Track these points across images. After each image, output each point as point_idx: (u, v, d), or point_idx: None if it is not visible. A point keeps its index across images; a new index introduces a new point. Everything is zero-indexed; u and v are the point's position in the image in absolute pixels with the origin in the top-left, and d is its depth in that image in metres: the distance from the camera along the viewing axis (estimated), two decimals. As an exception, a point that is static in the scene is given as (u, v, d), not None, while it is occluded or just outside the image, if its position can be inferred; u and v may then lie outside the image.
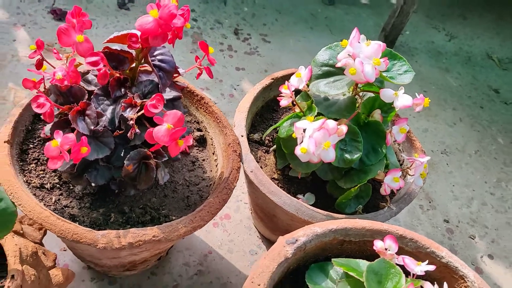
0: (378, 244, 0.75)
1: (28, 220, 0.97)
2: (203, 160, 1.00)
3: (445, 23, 2.11)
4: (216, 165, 0.98)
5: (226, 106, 1.49)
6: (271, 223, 1.09)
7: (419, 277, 0.73)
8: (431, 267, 0.72)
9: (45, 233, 0.98)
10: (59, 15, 1.59)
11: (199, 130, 1.03)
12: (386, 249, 0.75)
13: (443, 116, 1.70)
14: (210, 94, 1.50)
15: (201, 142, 1.03)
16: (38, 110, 0.72)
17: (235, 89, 1.55)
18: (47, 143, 0.71)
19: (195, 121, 1.04)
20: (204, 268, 1.14)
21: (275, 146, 1.04)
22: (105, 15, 1.67)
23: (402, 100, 0.87)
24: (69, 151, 0.71)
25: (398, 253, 0.74)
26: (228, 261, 1.17)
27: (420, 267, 0.72)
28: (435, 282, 0.72)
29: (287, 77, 1.08)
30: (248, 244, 1.21)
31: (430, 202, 1.43)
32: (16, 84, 1.38)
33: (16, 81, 1.39)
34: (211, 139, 1.01)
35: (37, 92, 0.73)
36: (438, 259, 0.80)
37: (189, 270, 1.13)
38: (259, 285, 0.72)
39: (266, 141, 1.06)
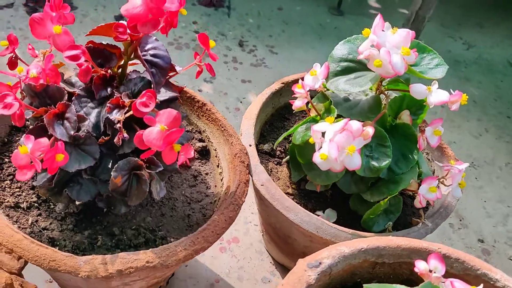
0: (420, 265, 0.61)
1: (6, 248, 0.84)
2: (206, 174, 0.87)
3: (461, 32, 2.00)
4: (221, 179, 0.85)
5: (232, 121, 1.36)
6: (286, 245, 0.95)
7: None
8: (487, 293, 0.59)
9: (26, 263, 0.85)
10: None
11: (201, 140, 0.91)
12: (430, 270, 0.61)
13: (467, 127, 1.57)
14: (214, 108, 1.39)
15: (204, 154, 0.90)
16: (4, 112, 0.60)
17: (241, 102, 1.43)
18: (15, 150, 0.58)
19: (196, 130, 0.92)
20: (210, 300, 1.00)
21: (288, 157, 0.91)
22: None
23: (437, 96, 0.74)
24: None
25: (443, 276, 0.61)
26: (238, 291, 1.02)
27: (474, 293, 0.59)
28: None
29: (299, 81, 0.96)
30: (260, 270, 1.07)
31: (461, 220, 1.29)
32: None
33: None
34: (215, 150, 0.89)
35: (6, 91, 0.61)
36: (492, 282, 0.66)
37: (194, 302, 0.99)
38: (276, 319, 0.58)
39: (278, 152, 0.94)
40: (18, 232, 0.66)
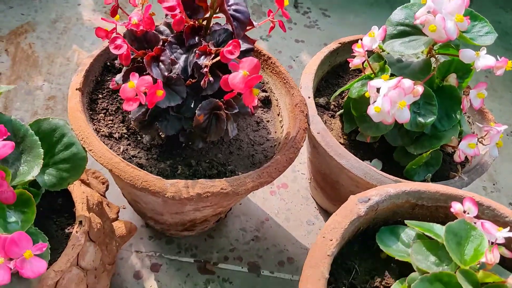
0: (456, 206, 0.71)
1: (91, 174, 0.98)
2: (268, 121, 0.98)
3: (512, 4, 2.02)
4: (281, 126, 0.96)
5: (284, 77, 1.46)
6: (333, 191, 1.06)
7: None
8: (514, 234, 0.68)
9: (107, 188, 0.99)
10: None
11: (264, 91, 1.02)
12: (465, 211, 0.71)
13: (509, 97, 1.62)
14: (268, 65, 1.48)
15: (266, 103, 1.01)
16: (115, 51, 0.72)
17: (294, 60, 1.53)
18: (124, 84, 0.70)
19: (260, 81, 1.03)
20: (260, 235, 1.12)
21: (342, 111, 1.01)
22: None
23: (484, 61, 0.82)
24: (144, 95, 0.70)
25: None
26: (285, 229, 1.15)
27: (501, 233, 0.68)
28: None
29: (355, 42, 1.04)
30: (305, 214, 1.19)
31: (494, 184, 1.37)
32: (79, 47, 1.41)
33: (80, 43, 1.41)
34: (277, 100, 0.99)
35: (116, 34, 0.72)
36: (518, 229, 0.75)
37: (246, 235, 1.11)
38: (331, 240, 0.69)
39: (332, 106, 1.03)
40: (116, 156, 0.78)
